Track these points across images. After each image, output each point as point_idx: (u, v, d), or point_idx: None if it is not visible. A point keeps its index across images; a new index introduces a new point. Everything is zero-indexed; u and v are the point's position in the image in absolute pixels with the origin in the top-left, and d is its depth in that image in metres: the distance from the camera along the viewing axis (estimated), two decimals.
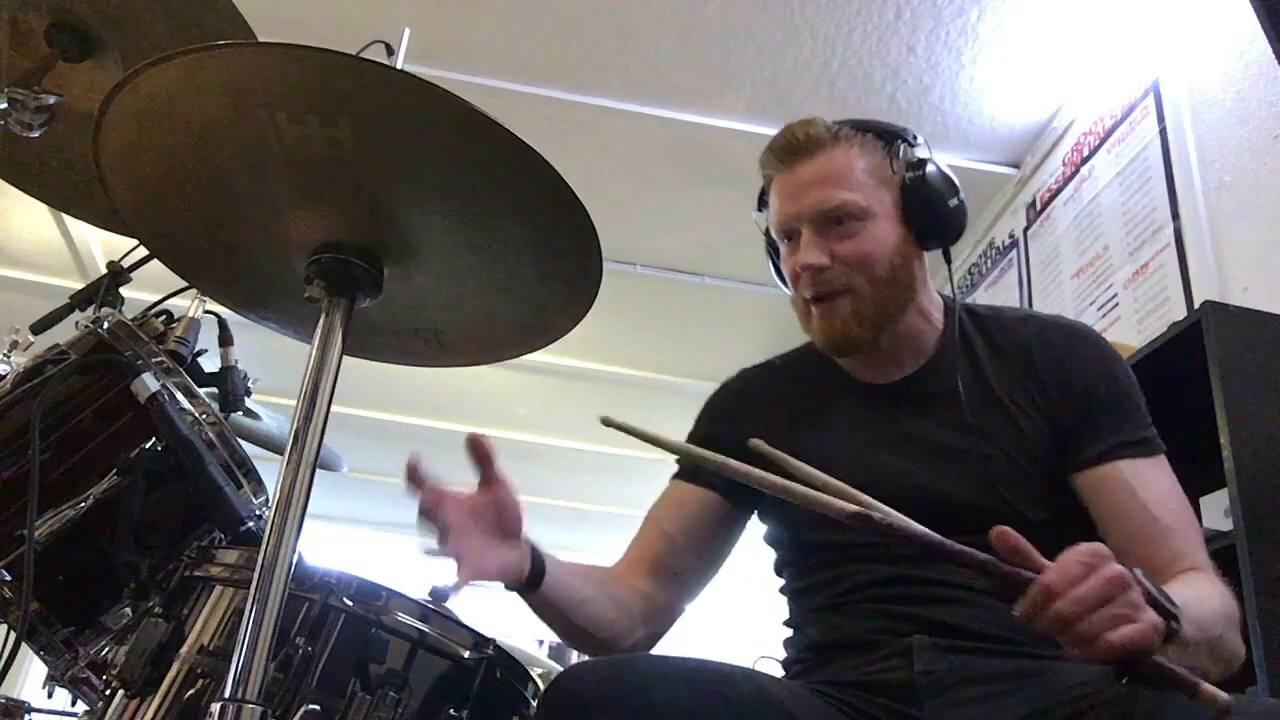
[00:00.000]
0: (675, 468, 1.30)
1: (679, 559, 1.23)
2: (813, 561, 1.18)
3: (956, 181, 1.20)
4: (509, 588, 1.06)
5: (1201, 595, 0.95)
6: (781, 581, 1.25)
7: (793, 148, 1.18)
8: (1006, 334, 1.19)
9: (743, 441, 1.25)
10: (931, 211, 1.18)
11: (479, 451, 0.99)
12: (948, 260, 1.22)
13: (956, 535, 1.01)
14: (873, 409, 1.20)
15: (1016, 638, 1.02)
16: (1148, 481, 1.09)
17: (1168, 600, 0.81)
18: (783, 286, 1.27)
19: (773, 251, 1.28)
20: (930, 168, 1.18)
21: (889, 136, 1.20)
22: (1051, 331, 1.17)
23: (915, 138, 1.20)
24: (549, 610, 1.11)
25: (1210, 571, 1.03)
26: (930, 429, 1.15)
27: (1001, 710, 0.97)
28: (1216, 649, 0.93)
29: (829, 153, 1.17)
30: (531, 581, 1.05)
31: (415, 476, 0.95)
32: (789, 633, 1.21)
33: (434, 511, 0.95)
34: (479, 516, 0.99)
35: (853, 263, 1.14)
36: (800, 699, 1.03)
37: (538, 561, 1.05)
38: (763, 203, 1.27)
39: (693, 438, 1.29)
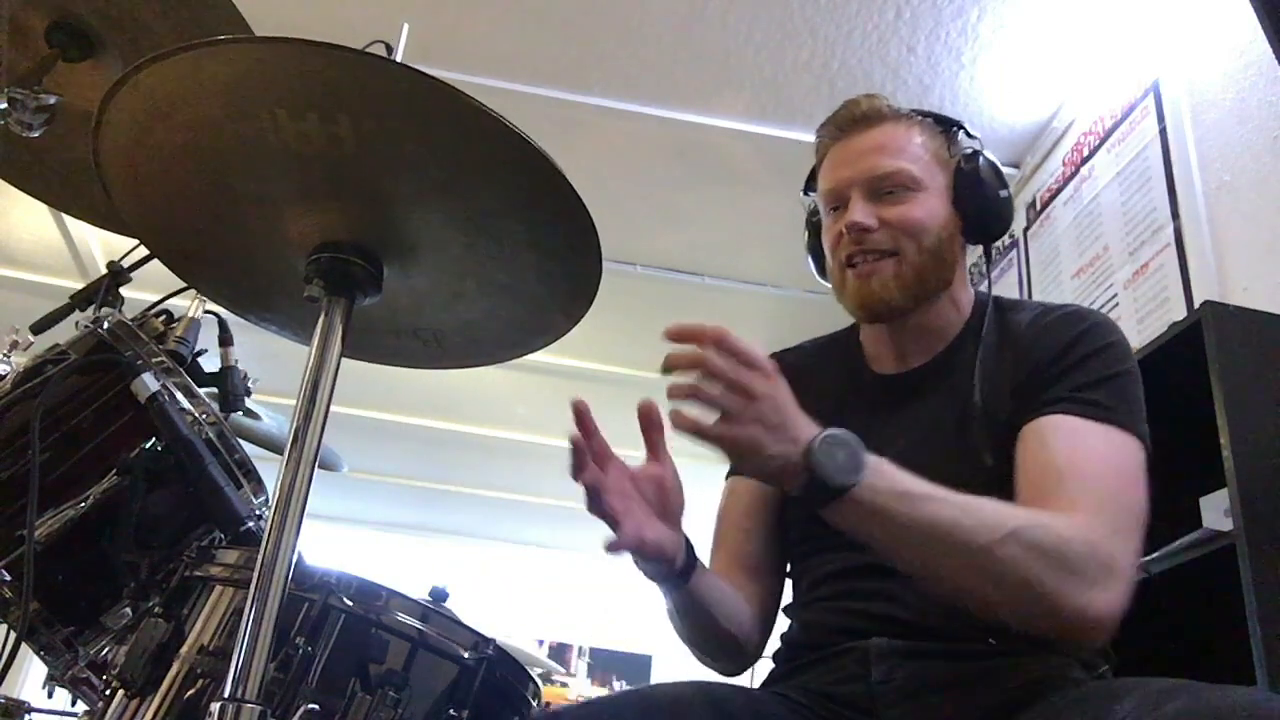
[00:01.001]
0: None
1: (767, 553, 1.22)
2: (798, 550, 1.20)
3: (1005, 176, 1.21)
4: (658, 577, 1.04)
5: (985, 506, 0.90)
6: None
7: (855, 117, 1.20)
8: (1017, 326, 1.17)
9: None
10: (982, 200, 1.18)
11: (650, 419, 0.97)
12: (988, 257, 1.24)
13: None
14: (885, 400, 1.19)
15: (978, 631, 1.00)
16: (1064, 433, 1.03)
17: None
18: (817, 276, 1.27)
19: (812, 235, 1.28)
20: (984, 160, 1.20)
21: (947, 124, 1.22)
22: (1047, 317, 1.15)
23: (971, 132, 1.22)
24: (695, 606, 1.08)
25: (1080, 516, 0.93)
26: (934, 418, 1.13)
27: (958, 713, 0.96)
28: (985, 562, 0.88)
29: (891, 125, 1.18)
30: (683, 572, 1.03)
31: (585, 423, 0.94)
32: (784, 625, 1.22)
33: (592, 469, 0.93)
34: (640, 488, 0.99)
35: (900, 227, 1.14)
36: (760, 708, 1.03)
37: (690, 552, 1.04)
38: (810, 187, 1.27)
39: None
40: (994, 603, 0.91)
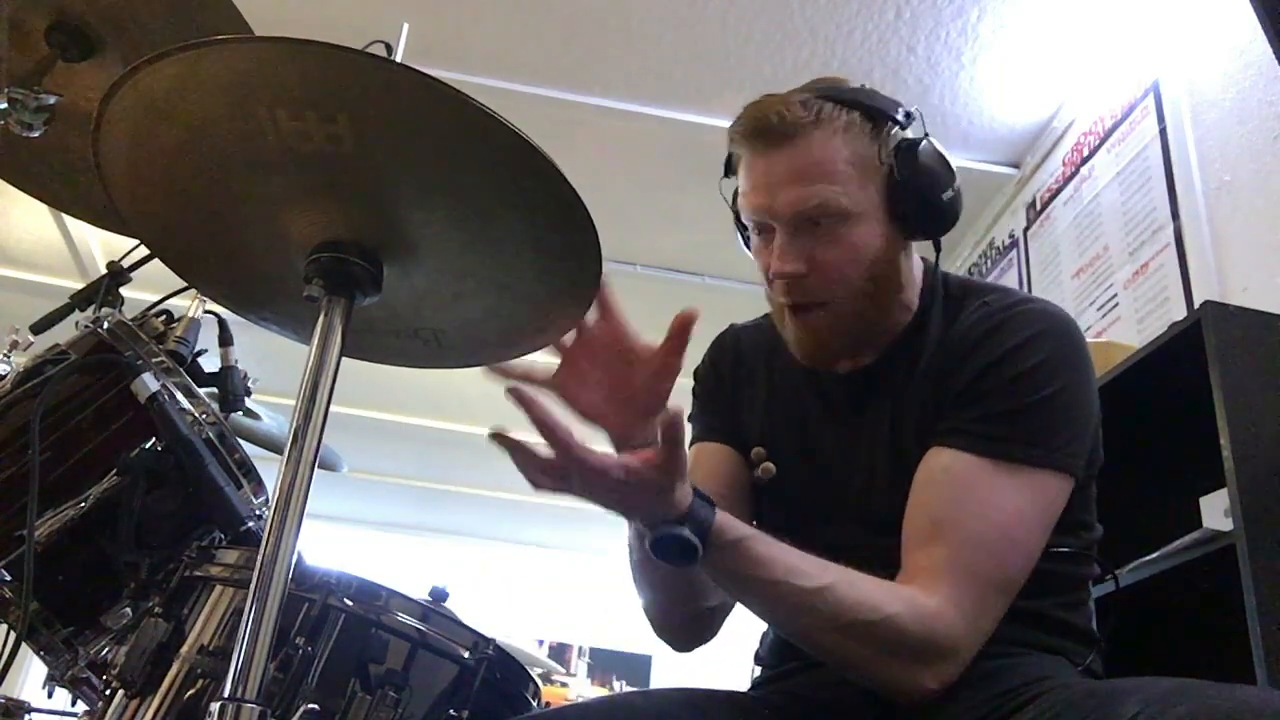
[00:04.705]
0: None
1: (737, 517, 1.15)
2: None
3: (952, 164, 1.09)
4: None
5: (830, 593, 0.90)
6: None
7: (766, 131, 1.05)
8: (961, 324, 1.09)
9: (734, 407, 1.22)
10: (922, 206, 1.06)
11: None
12: (937, 250, 1.13)
13: (878, 537, 1.03)
14: (840, 402, 1.15)
15: None
16: (955, 477, 0.99)
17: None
18: (748, 252, 1.18)
19: (741, 226, 1.18)
20: (923, 155, 1.06)
21: (878, 117, 1.06)
22: (987, 323, 1.06)
23: (908, 115, 1.08)
24: (680, 580, 1.00)
25: (934, 599, 0.92)
26: (880, 423, 1.10)
27: (953, 716, 0.95)
28: (822, 644, 0.94)
29: (807, 140, 1.03)
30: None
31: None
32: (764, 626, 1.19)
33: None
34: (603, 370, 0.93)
35: (832, 273, 1.05)
36: (748, 714, 1.03)
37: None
38: (729, 169, 1.16)
39: (698, 401, 1.26)
40: (833, 665, 0.97)
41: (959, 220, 1.12)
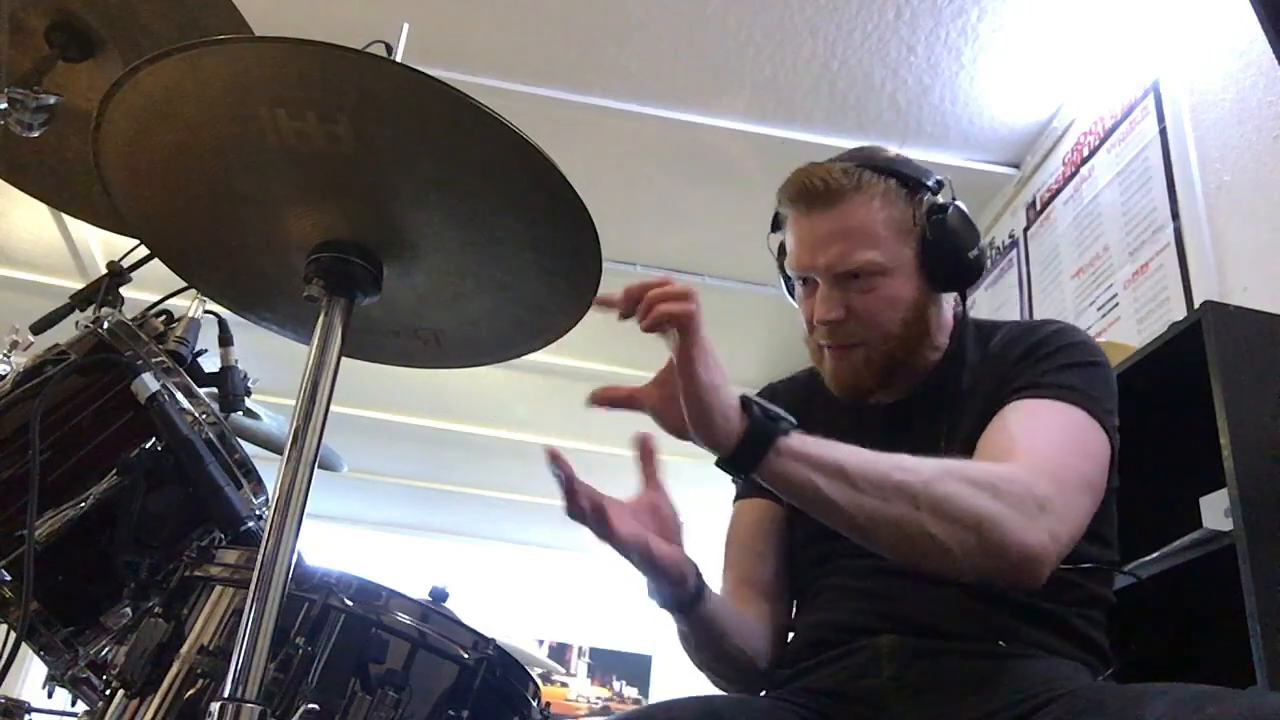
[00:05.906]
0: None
1: (778, 572, 1.24)
2: (807, 563, 1.21)
3: (978, 228, 1.20)
4: (672, 604, 1.07)
5: (917, 456, 0.95)
6: None
7: (811, 194, 1.16)
8: (993, 348, 1.20)
9: None
10: (952, 264, 1.17)
11: (645, 449, 1.06)
12: (963, 300, 1.23)
13: None
14: (864, 431, 1.17)
15: (988, 633, 1.03)
16: (1023, 413, 1.07)
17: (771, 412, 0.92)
18: (792, 300, 1.27)
19: (786, 276, 1.28)
20: (952, 218, 1.17)
21: (913, 184, 1.17)
22: (1016, 329, 1.20)
23: (939, 184, 1.19)
24: (708, 630, 1.11)
25: (1018, 466, 0.98)
26: (910, 446, 1.11)
27: (969, 709, 0.97)
28: (925, 497, 0.92)
29: (849, 204, 1.14)
30: (696, 596, 1.07)
31: (561, 462, 0.98)
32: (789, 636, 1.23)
33: (584, 507, 0.97)
34: (637, 518, 1.03)
35: (868, 319, 1.15)
36: (764, 717, 1.04)
37: (699, 576, 1.07)
38: (777, 224, 1.26)
39: None
40: (936, 542, 0.92)
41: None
